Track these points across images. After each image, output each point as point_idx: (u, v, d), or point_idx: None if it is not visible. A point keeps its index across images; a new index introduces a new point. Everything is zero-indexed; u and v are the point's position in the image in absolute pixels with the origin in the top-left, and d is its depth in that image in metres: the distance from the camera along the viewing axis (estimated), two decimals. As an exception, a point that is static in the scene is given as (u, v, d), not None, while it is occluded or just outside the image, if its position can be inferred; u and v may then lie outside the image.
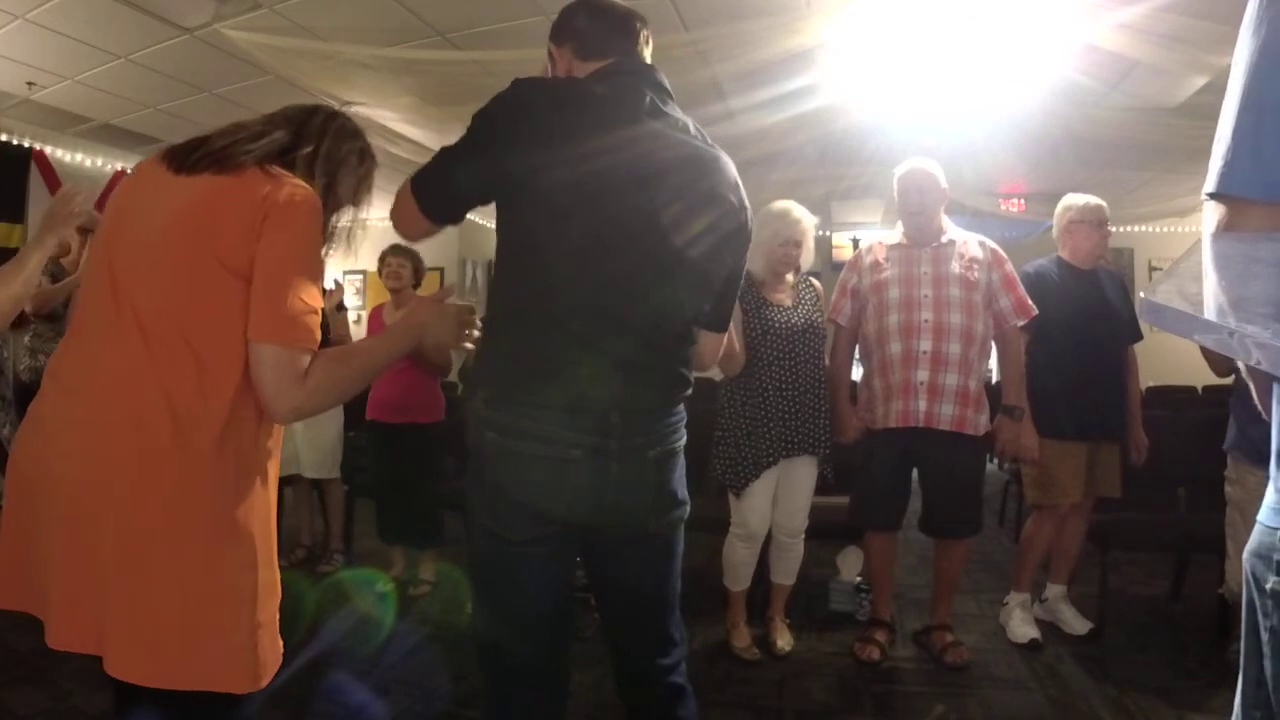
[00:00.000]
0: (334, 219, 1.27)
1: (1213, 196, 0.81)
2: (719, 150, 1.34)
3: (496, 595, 1.29)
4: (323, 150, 1.21)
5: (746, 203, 1.36)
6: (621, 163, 1.21)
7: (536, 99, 1.23)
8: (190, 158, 1.11)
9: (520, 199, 1.23)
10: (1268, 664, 0.76)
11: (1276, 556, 0.76)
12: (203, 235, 1.06)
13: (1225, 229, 0.80)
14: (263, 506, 1.11)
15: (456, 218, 1.31)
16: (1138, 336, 2.86)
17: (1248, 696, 0.80)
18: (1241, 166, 0.78)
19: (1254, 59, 0.77)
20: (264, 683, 1.08)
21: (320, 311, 1.12)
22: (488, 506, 1.25)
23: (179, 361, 1.04)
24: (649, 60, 1.37)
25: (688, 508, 1.36)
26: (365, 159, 1.30)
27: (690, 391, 1.35)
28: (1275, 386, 0.81)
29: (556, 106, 1.22)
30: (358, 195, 1.30)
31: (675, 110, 1.31)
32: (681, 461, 1.35)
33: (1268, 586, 0.77)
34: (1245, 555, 0.81)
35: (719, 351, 1.48)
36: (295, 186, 1.12)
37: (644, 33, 1.36)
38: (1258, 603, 0.79)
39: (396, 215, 1.31)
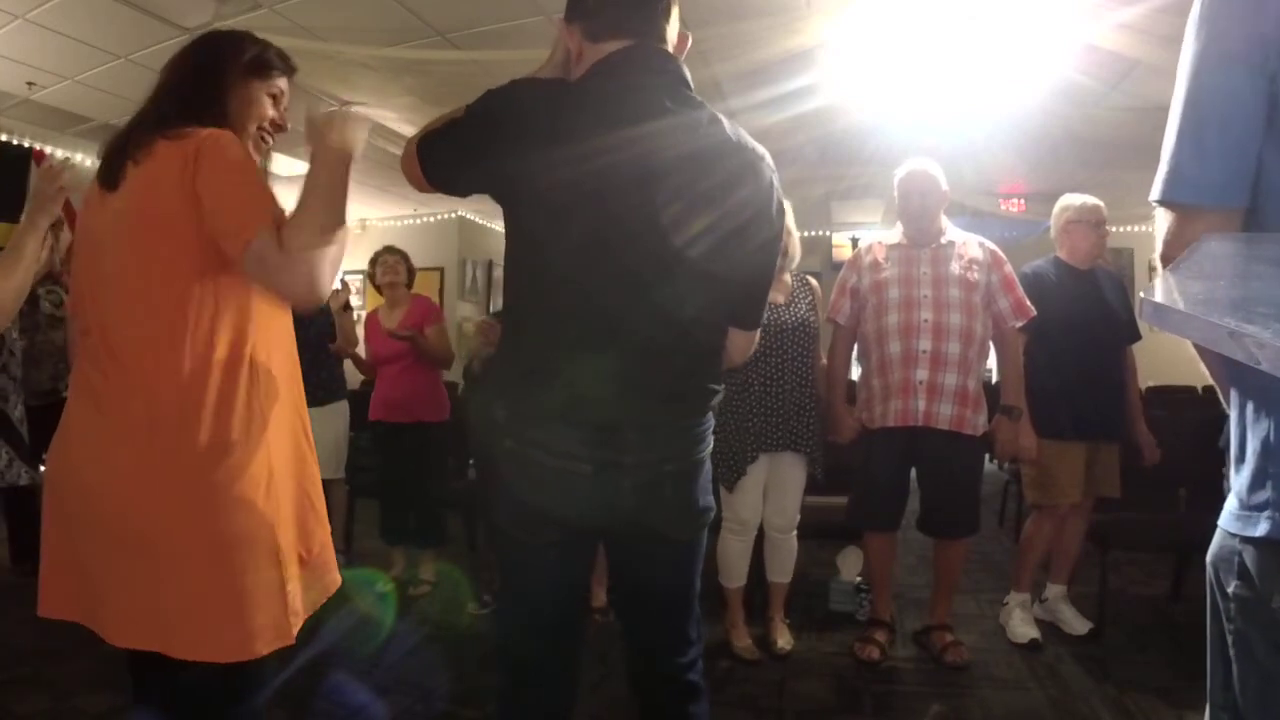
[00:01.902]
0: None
1: (1160, 203, 0.81)
2: (746, 145, 1.25)
3: (513, 593, 1.32)
4: (230, 108, 1.24)
5: (769, 199, 1.27)
6: (622, 162, 1.18)
7: (539, 106, 1.19)
8: (112, 168, 1.18)
9: (520, 202, 1.22)
10: (1234, 667, 0.76)
11: (1237, 560, 0.76)
12: (153, 224, 1.11)
13: (1175, 236, 0.79)
14: (269, 469, 1.15)
15: (461, 195, 1.30)
16: (1136, 337, 2.85)
17: (1215, 699, 0.80)
18: (1186, 172, 0.78)
19: (1196, 63, 0.77)
20: (288, 639, 1.14)
21: (273, 199, 1.16)
22: (504, 509, 1.27)
23: (155, 365, 1.10)
24: (672, 32, 1.27)
25: (711, 513, 1.34)
26: (261, 67, 1.29)
27: (717, 399, 1.31)
28: (1233, 390, 0.81)
29: (556, 111, 1.19)
30: (270, 77, 1.31)
31: (690, 102, 1.23)
32: (706, 469, 1.32)
33: (1230, 590, 0.76)
34: (1208, 560, 0.81)
35: (749, 349, 1.43)
36: (204, 132, 1.14)
37: (663, 3, 1.25)
38: (1221, 607, 0.78)
39: (405, 168, 1.29)
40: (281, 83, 1.33)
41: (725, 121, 1.26)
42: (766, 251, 1.31)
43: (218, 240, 1.10)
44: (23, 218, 1.58)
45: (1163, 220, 0.81)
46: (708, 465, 1.33)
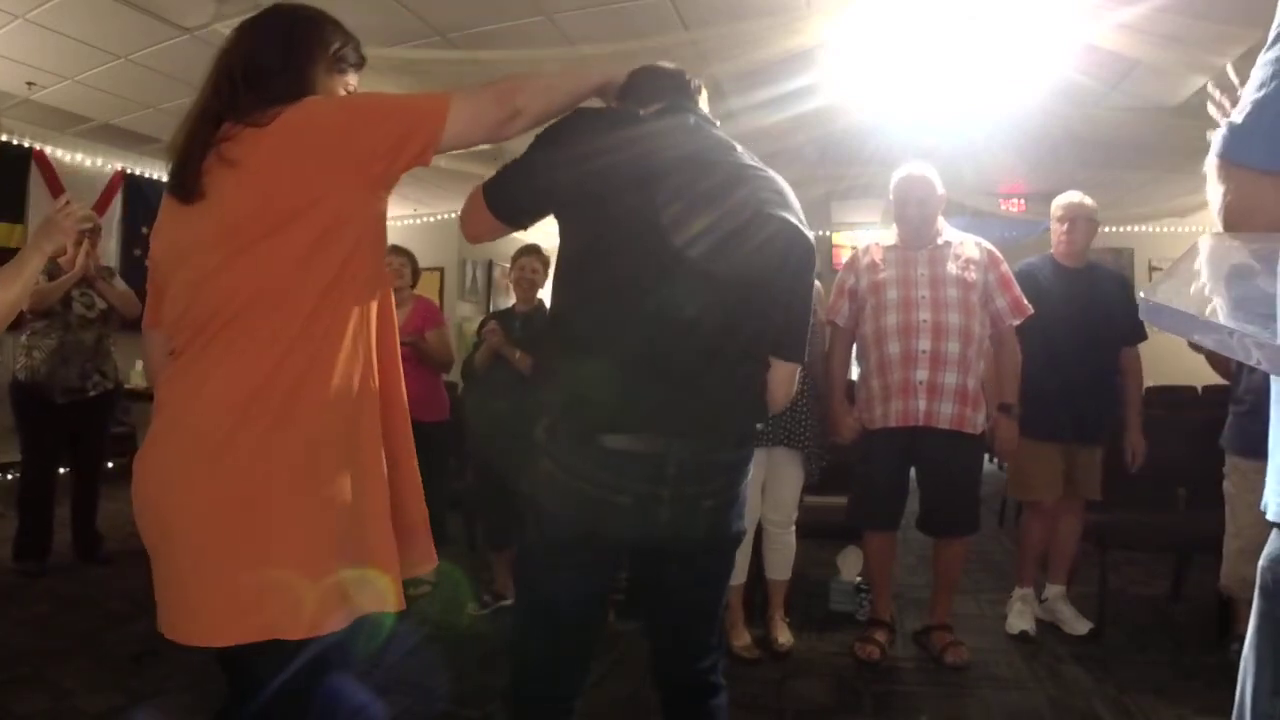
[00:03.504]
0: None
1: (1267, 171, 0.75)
2: (753, 168, 1.30)
3: (533, 601, 1.33)
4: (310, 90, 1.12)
5: (783, 212, 1.28)
6: (622, 162, 1.21)
7: (581, 120, 1.27)
8: (189, 176, 1.06)
9: (558, 206, 1.28)
10: None
11: None
12: (269, 222, 1.02)
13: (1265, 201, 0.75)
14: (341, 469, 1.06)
15: (520, 222, 1.32)
16: (1138, 337, 2.83)
17: (1260, 706, 0.76)
18: None
19: None
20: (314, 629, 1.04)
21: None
22: (534, 527, 1.29)
23: (244, 355, 1.02)
24: (706, 110, 1.39)
25: (743, 536, 1.37)
26: (340, 62, 1.18)
27: (760, 426, 1.33)
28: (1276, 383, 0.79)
29: (587, 125, 1.26)
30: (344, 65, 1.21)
31: (717, 133, 1.33)
32: (743, 498, 1.34)
33: None
34: (1262, 562, 0.77)
35: (792, 385, 1.37)
36: (292, 106, 1.05)
37: (695, 83, 1.39)
38: (1274, 614, 0.74)
39: (466, 218, 1.34)
40: (354, 79, 1.23)
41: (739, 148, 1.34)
42: (788, 268, 1.28)
43: (408, 154, 1.05)
44: (30, 240, 1.62)
45: (1248, 184, 0.76)
46: (745, 494, 1.34)
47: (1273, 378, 0.79)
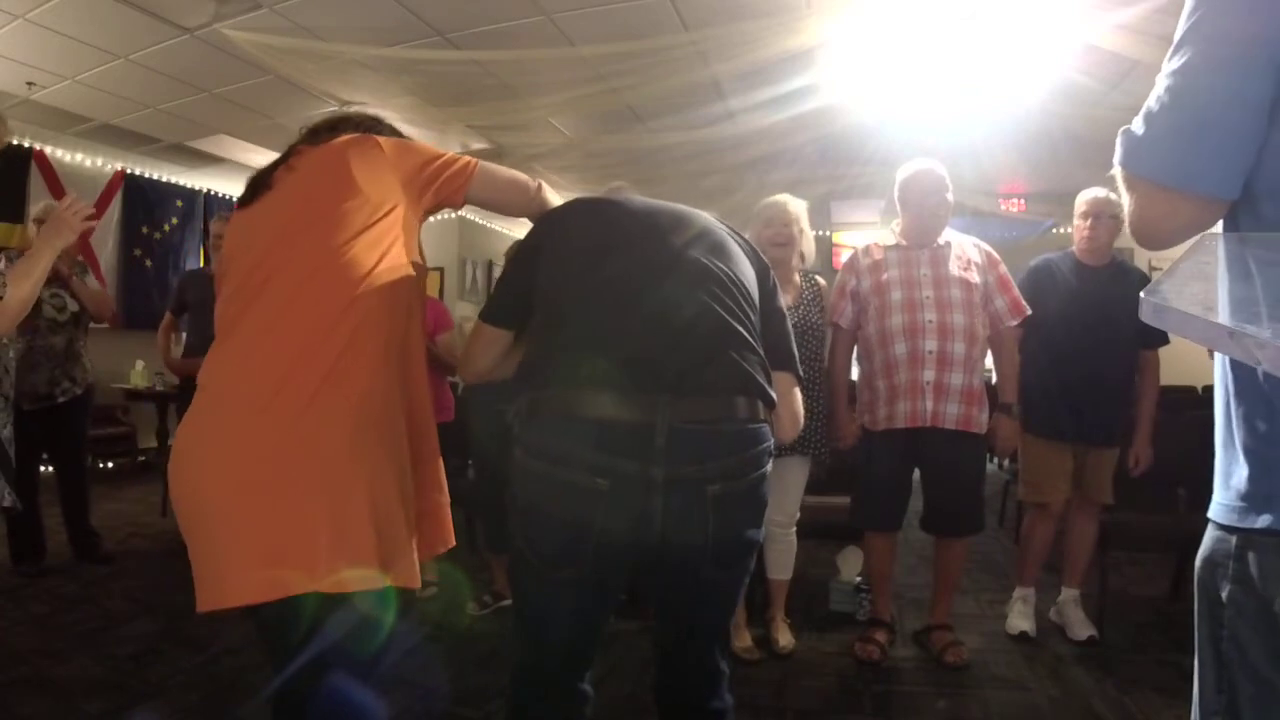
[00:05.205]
0: None
1: (1170, 188, 0.75)
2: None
3: (524, 611, 1.26)
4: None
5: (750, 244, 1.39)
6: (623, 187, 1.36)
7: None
8: (260, 183, 1.24)
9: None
10: (1235, 673, 0.73)
11: (1232, 563, 0.73)
12: (321, 212, 1.15)
13: (1174, 217, 0.75)
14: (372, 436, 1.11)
15: (511, 314, 1.34)
16: (1159, 341, 2.72)
17: (1207, 703, 0.78)
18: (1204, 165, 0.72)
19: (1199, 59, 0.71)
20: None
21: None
22: (519, 527, 1.19)
23: (299, 354, 1.08)
24: None
25: (757, 546, 1.24)
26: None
27: (766, 404, 1.19)
28: (1222, 362, 0.78)
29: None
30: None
31: None
32: (760, 497, 1.18)
33: (1224, 595, 0.74)
34: (1198, 561, 0.78)
35: (795, 400, 1.30)
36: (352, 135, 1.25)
37: None
38: (1211, 612, 0.76)
39: (464, 353, 1.39)
40: None
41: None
42: (759, 278, 1.34)
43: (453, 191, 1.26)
44: (40, 237, 1.64)
45: (1148, 197, 0.76)
46: (763, 493, 1.19)
47: (1217, 372, 0.79)
